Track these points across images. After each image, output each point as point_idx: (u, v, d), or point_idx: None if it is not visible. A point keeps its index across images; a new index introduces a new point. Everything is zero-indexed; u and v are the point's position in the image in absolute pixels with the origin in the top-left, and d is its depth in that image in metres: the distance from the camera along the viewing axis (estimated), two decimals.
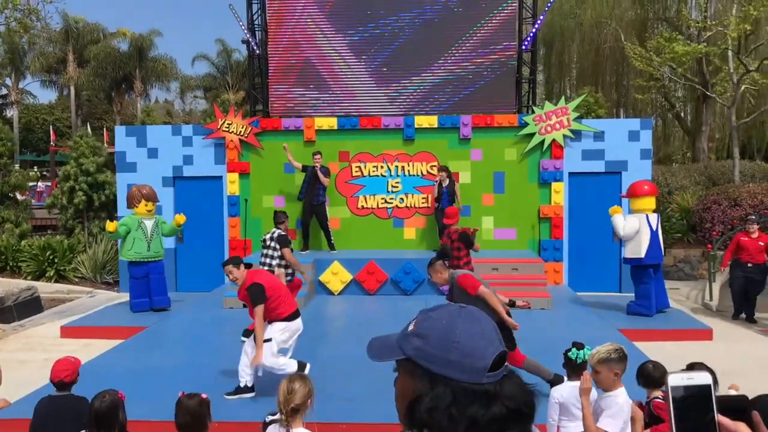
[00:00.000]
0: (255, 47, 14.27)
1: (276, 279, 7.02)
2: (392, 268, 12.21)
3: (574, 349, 4.57)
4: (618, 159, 13.16)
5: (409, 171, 13.55)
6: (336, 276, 12.20)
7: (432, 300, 11.53)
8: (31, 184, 24.47)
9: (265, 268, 8.81)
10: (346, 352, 8.43)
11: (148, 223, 11.17)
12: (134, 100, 42.10)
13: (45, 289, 13.91)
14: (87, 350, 9.41)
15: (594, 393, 4.15)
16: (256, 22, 14.40)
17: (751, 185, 15.77)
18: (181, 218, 11.28)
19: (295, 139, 13.55)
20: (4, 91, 46.27)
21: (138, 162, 13.74)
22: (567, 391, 4.47)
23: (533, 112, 13.44)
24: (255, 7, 14.35)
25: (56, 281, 14.64)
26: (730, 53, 18.22)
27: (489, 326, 1.40)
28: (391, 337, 1.51)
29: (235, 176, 13.61)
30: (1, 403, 4.87)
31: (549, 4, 14.20)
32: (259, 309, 6.40)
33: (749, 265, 10.68)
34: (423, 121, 13.43)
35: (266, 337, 6.50)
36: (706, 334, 9.74)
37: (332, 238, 12.98)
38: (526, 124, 13.24)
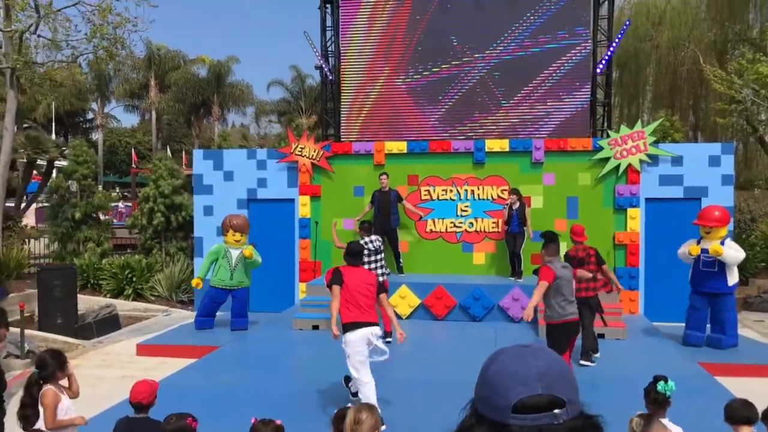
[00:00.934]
0: (328, 73, 14.49)
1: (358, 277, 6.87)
2: (461, 294, 12.05)
3: (661, 383, 4.36)
4: (698, 185, 12.67)
5: (479, 195, 13.41)
6: (404, 300, 12.14)
7: (501, 327, 11.33)
8: (113, 204, 25.45)
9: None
10: (410, 378, 8.35)
11: (234, 253, 11.49)
12: (212, 124, 43.40)
13: (123, 306, 14.35)
14: (162, 368, 9.62)
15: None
16: (329, 49, 14.64)
17: None
18: (247, 252, 11.45)
19: (365, 162, 13.64)
20: (91, 116, 48.52)
21: (214, 184, 14.08)
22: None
23: (608, 135, 13.11)
24: (329, 34, 14.60)
25: (134, 299, 15.10)
26: None
27: (533, 367, 1.34)
28: None
29: (306, 199, 13.78)
30: (78, 420, 4.98)
31: (624, 27, 13.89)
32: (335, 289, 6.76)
33: None
34: (494, 144, 13.29)
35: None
36: None
37: (401, 260, 12.96)
38: (600, 149, 12.93)
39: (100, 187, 22.67)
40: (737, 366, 9.27)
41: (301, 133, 15.01)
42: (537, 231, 12.65)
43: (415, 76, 14.18)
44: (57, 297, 12.17)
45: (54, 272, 12.66)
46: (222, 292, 11.48)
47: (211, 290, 11.57)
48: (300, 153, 13.74)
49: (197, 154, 14.56)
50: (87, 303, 13.91)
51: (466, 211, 13.44)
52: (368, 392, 6.55)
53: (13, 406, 5.18)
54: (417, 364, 9.14)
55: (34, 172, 22.18)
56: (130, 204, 31.56)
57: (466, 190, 13.45)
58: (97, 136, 46.35)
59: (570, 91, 13.70)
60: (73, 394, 5.11)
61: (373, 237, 10.34)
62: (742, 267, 13.96)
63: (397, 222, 12.84)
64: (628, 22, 14.49)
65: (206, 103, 41.87)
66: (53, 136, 34.00)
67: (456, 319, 11.97)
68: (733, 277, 9.95)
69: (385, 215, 12.65)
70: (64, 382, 5.06)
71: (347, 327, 6.69)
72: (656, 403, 4.36)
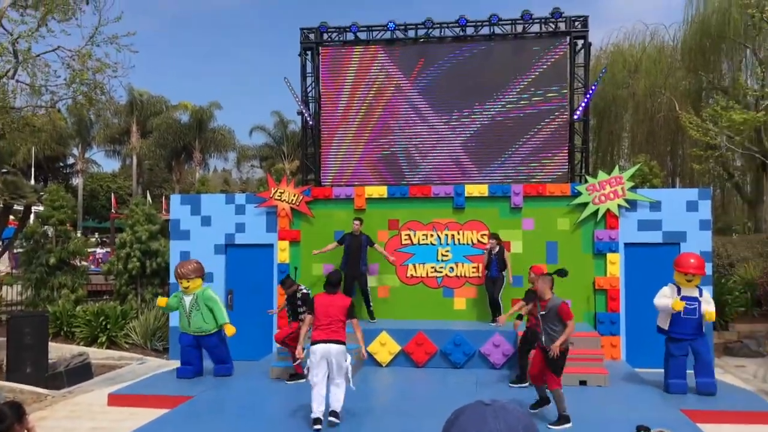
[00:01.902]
0: (308, 118, 14.53)
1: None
2: (442, 340, 11.89)
3: None
4: (676, 230, 12.73)
5: (459, 240, 13.37)
6: (384, 347, 11.94)
7: (482, 374, 11.15)
8: (91, 249, 25.09)
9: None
10: (391, 430, 8.13)
11: (187, 300, 11.36)
12: (193, 169, 43.35)
13: (96, 355, 14.00)
14: (133, 419, 9.33)
15: None
16: (310, 94, 14.71)
17: None
18: (229, 330, 11.27)
19: (345, 207, 13.59)
20: (71, 161, 48.28)
21: (191, 230, 13.93)
22: None
23: (586, 181, 13.19)
24: (309, 80, 14.68)
25: (108, 347, 14.75)
26: None
27: (494, 429, 1.28)
28: None
29: (285, 244, 13.65)
30: None
31: (600, 75, 14.11)
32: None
33: None
34: (473, 189, 13.32)
35: None
36: None
37: (372, 305, 12.82)
38: (579, 194, 12.99)
39: (79, 233, 22.38)
40: (721, 413, 9.16)
41: (281, 177, 14.93)
42: (518, 276, 12.63)
43: (396, 120, 14.25)
44: (27, 345, 11.83)
45: (25, 319, 12.33)
46: (187, 336, 11.38)
47: (179, 336, 11.58)
48: (279, 198, 13.67)
49: (174, 198, 14.43)
50: (59, 351, 13.55)
51: (447, 255, 13.38)
52: (313, 393, 8.01)
53: None
54: (398, 414, 8.93)
55: (11, 217, 21.87)
56: (109, 249, 31.17)
57: (446, 235, 13.41)
58: (77, 181, 46.06)
59: (548, 137, 13.81)
60: None
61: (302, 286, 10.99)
62: (720, 312, 13.98)
63: (365, 267, 12.74)
64: (604, 70, 14.78)
65: (188, 149, 41.91)
66: (32, 182, 33.71)
67: (437, 366, 11.78)
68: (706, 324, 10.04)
69: (355, 259, 12.56)
70: None
71: (312, 343, 8.07)
72: None
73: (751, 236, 21.21)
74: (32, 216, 21.30)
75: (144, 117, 41.82)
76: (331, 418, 8.00)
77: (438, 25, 14.25)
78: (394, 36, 14.42)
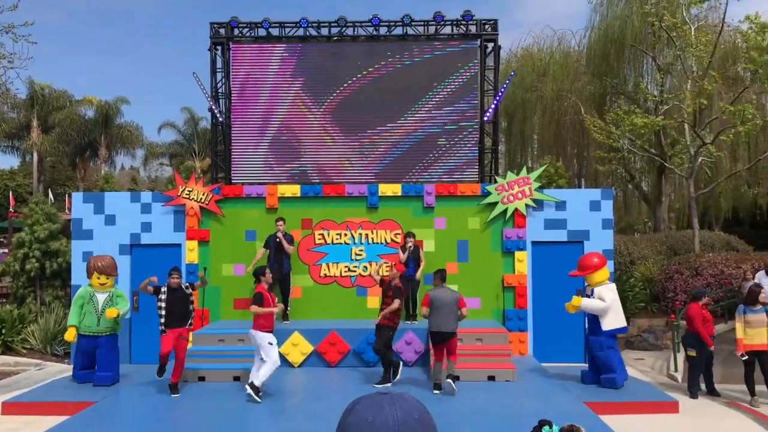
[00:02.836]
0: (219, 115, 14.23)
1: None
2: (355, 339, 11.91)
3: (546, 428, 4.36)
4: (580, 228, 13.21)
5: (373, 239, 13.42)
6: (296, 347, 11.84)
7: None
8: None
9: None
10: (298, 430, 8.07)
11: (100, 297, 10.86)
12: (99, 166, 41.71)
13: None
14: (30, 428, 8.92)
15: None
16: (220, 90, 14.41)
17: (711, 254, 15.95)
18: (112, 312, 10.71)
19: (257, 206, 13.39)
20: None
21: (94, 229, 13.38)
22: None
23: (495, 181, 13.50)
24: (219, 76, 14.38)
25: (3, 353, 13.97)
26: (686, 127, 18.72)
27: (390, 416, 1.32)
28: None
29: (194, 244, 13.31)
30: None
31: (509, 78, 14.48)
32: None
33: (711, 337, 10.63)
34: (387, 189, 13.40)
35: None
36: (672, 407, 9.55)
37: (290, 307, 12.74)
38: (488, 194, 13.29)
39: None
40: (621, 404, 9.57)
41: (191, 175, 14.56)
42: (429, 274, 12.74)
43: (308, 118, 14.16)
44: None
45: None
46: (89, 340, 10.74)
47: (78, 339, 10.84)
48: (188, 196, 13.32)
49: (77, 197, 13.83)
50: None
51: (361, 255, 13.40)
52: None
53: None
54: (308, 416, 8.86)
55: None
56: (6, 250, 29.54)
57: (360, 234, 13.43)
58: None
59: (459, 138, 14.06)
60: None
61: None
62: (621, 307, 14.59)
63: (290, 267, 12.67)
64: (513, 73, 15.15)
65: (93, 145, 40.26)
66: None
67: (350, 366, 11.79)
68: (611, 321, 10.35)
69: (281, 261, 12.44)
70: None
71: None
72: None
73: (651, 235, 22.27)
74: None
75: (46, 111, 39.84)
76: (246, 386, 9.37)
77: (351, 24, 14.25)
78: (307, 33, 14.32)
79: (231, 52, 14.31)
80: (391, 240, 13.37)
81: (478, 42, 14.19)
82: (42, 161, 41.78)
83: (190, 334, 10.26)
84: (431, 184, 13.47)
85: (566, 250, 13.05)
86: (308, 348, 11.85)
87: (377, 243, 13.41)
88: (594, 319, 10.45)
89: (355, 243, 13.43)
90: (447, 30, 14.33)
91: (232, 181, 14.13)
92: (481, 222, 13.34)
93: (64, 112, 39.06)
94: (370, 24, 14.17)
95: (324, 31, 14.39)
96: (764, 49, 16.42)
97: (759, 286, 10.64)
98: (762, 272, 12.76)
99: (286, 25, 14.33)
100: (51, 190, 36.57)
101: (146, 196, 13.71)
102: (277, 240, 12.48)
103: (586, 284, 10.81)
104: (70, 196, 31.60)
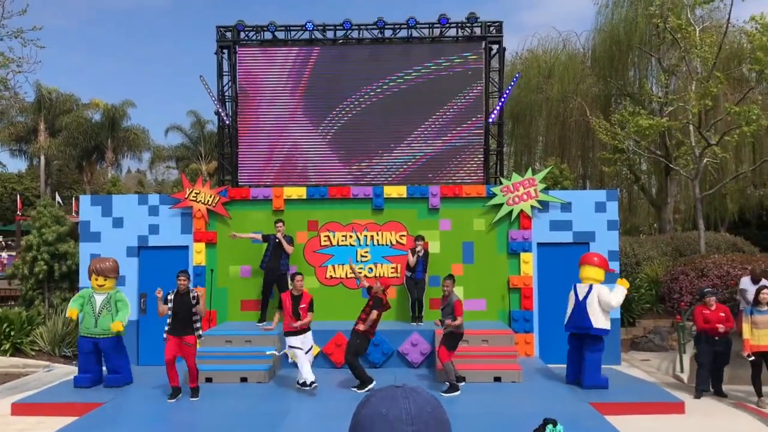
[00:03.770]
0: (225, 118, 14.30)
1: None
2: None
3: (550, 426, 4.39)
4: (585, 230, 13.22)
5: (378, 240, 13.46)
6: None
7: (401, 373, 11.27)
8: None
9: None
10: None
11: (98, 298, 10.93)
12: (105, 169, 41.89)
13: None
14: (39, 428, 9.00)
15: None
16: (226, 93, 14.48)
17: (717, 256, 15.92)
18: (117, 326, 10.74)
19: (263, 208, 13.45)
20: None
21: (102, 232, 13.46)
22: None
23: (501, 183, 13.53)
24: (226, 79, 14.45)
25: (12, 355, 14.04)
26: (691, 128, 18.71)
27: (404, 409, 1.35)
28: None
29: (201, 246, 13.38)
30: None
31: (514, 80, 14.51)
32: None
33: (715, 338, 10.56)
34: (392, 191, 13.44)
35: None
36: (678, 408, 9.56)
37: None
38: (494, 195, 13.31)
39: None
40: (627, 404, 9.58)
41: (197, 178, 14.63)
42: (434, 276, 12.80)
43: (315, 120, 14.22)
44: None
45: None
46: (87, 341, 10.80)
47: (79, 342, 11.01)
48: (195, 198, 13.39)
49: (84, 199, 13.91)
50: None
51: (366, 256, 13.44)
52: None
53: None
54: (315, 417, 8.90)
55: None
56: (14, 253, 29.68)
57: (365, 236, 13.47)
58: None
59: (464, 140, 14.08)
60: None
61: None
62: (627, 308, 14.60)
63: (286, 268, 12.67)
64: (518, 75, 15.16)
65: (99, 148, 40.47)
66: None
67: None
68: (604, 319, 10.36)
69: (277, 258, 12.52)
70: None
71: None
72: None
73: (657, 236, 22.28)
74: None
75: (53, 115, 40.06)
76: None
77: (357, 27, 14.30)
78: (313, 36, 14.38)
79: (237, 55, 14.38)
80: (396, 242, 13.41)
81: (483, 44, 14.21)
82: (49, 164, 42.00)
83: (198, 339, 10.12)
84: (436, 186, 13.51)
85: (572, 251, 13.03)
86: (315, 349, 11.86)
87: (382, 245, 13.45)
88: (596, 315, 10.34)
89: (360, 245, 13.47)
90: (452, 32, 14.36)
91: (239, 184, 14.20)
92: (487, 223, 13.37)
93: (71, 116, 39.28)
94: (375, 27, 14.21)
95: (330, 34, 14.43)
96: None
97: (744, 292, 10.69)
98: (747, 278, 12.50)
99: (291, 28, 14.38)
100: (58, 193, 36.71)
101: (154, 199, 13.79)
102: (277, 240, 12.54)
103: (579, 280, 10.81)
104: (77, 199, 31.76)
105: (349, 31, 14.30)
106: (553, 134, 27.50)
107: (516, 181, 13.33)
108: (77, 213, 25.08)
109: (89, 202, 13.76)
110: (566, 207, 13.32)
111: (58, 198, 30.75)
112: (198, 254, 13.38)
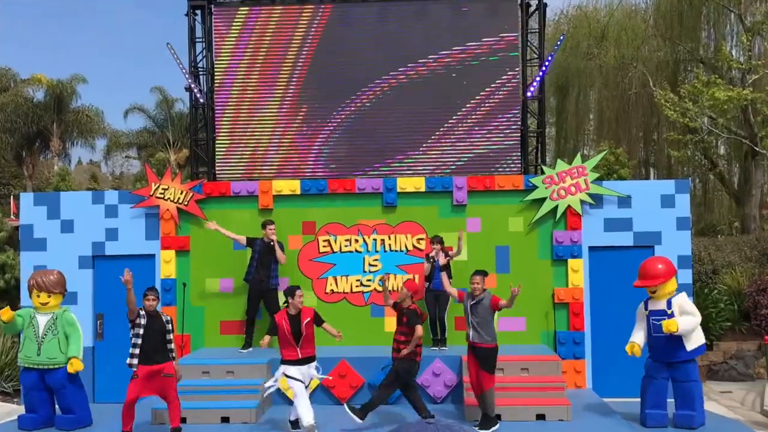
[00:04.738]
0: (199, 95, 14.37)
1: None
2: (370, 370, 11.99)
3: None
4: (649, 230, 13.19)
5: (390, 246, 13.49)
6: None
7: None
8: None
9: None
10: None
11: (41, 320, 10.72)
12: (51, 161, 42.10)
13: None
14: None
15: None
16: (200, 65, 14.55)
17: None
18: (75, 366, 10.62)
19: (248, 207, 13.50)
20: None
21: (48, 238, 13.57)
22: None
23: (542, 172, 13.53)
24: (199, 47, 14.52)
25: None
26: None
27: None
28: None
29: (170, 254, 13.46)
30: None
31: (558, 44, 14.50)
32: None
33: None
34: (407, 184, 13.45)
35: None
36: None
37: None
38: (534, 187, 13.31)
39: None
40: None
41: (165, 170, 14.72)
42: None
43: (309, 100, 14.26)
44: None
45: None
46: (30, 373, 10.68)
47: (20, 375, 10.99)
48: (162, 195, 13.47)
49: (25, 198, 14.03)
50: None
51: (376, 265, 13.47)
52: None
53: None
54: None
55: None
56: None
57: (374, 240, 13.50)
58: None
59: (496, 119, 14.09)
60: None
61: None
62: (702, 328, 14.55)
63: (276, 281, 12.74)
64: (562, 37, 15.16)
65: (43, 134, 40.63)
66: None
67: (364, 402, 11.80)
68: (691, 341, 10.27)
69: (265, 270, 12.57)
70: None
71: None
72: None
73: (738, 237, 22.16)
74: None
75: None
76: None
77: None
78: None
79: (213, 17, 14.45)
80: (413, 246, 13.43)
81: (519, 0, 14.22)
82: None
83: (176, 367, 10.14)
84: (462, 177, 13.51)
85: (632, 256, 12.96)
86: (313, 382, 11.91)
87: (396, 251, 13.47)
88: (675, 339, 10.30)
89: (368, 251, 13.50)
90: None
91: (217, 177, 14.26)
92: (525, 223, 13.36)
93: (7, 95, 39.43)
94: None
95: None
96: None
97: None
98: None
99: None
100: None
101: (111, 196, 13.88)
102: (272, 244, 12.57)
103: (649, 298, 10.72)
104: (16, 198, 31.99)
105: None
106: (607, 111, 27.45)
107: (561, 170, 13.32)
108: (17, 215, 25.27)
109: (32, 202, 13.87)
110: (625, 201, 13.30)
111: None
112: (167, 264, 13.45)
